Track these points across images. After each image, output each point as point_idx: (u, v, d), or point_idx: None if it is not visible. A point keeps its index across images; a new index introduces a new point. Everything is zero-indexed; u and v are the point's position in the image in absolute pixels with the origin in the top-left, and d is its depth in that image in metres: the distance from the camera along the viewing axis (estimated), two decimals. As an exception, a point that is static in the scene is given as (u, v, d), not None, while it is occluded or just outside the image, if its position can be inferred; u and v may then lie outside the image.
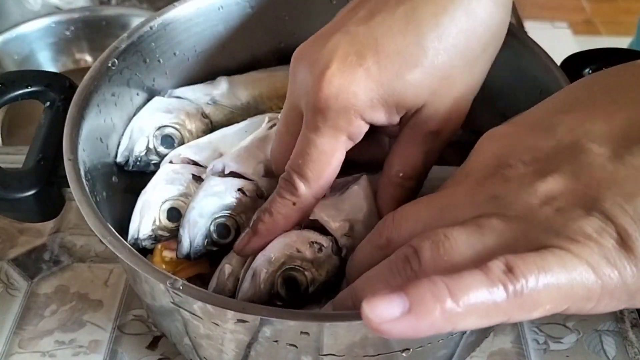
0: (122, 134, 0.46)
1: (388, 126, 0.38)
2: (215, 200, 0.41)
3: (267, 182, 0.42)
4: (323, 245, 0.39)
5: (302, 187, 0.37)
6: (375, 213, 0.40)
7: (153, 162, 0.46)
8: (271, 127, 0.45)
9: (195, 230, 0.41)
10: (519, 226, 0.27)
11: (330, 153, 0.36)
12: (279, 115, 0.41)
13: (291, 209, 0.38)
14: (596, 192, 0.27)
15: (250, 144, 0.44)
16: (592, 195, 0.27)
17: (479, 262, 0.25)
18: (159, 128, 0.46)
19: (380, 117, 0.36)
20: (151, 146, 0.46)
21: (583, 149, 0.28)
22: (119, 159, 0.46)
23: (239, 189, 0.42)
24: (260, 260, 0.38)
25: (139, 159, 0.45)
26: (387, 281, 0.29)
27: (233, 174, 0.42)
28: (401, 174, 0.39)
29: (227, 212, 0.41)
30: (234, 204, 0.41)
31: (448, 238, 0.28)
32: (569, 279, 0.25)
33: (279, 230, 0.39)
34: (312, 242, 0.39)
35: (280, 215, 0.38)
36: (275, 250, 0.38)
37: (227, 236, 0.41)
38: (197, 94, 0.49)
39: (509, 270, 0.25)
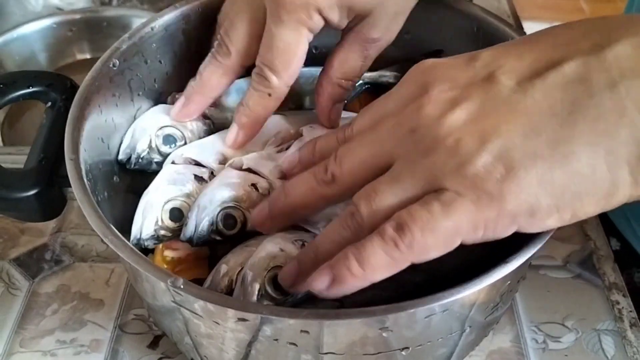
0: (125, 134, 0.46)
1: (336, 28, 0.42)
2: (228, 190, 0.42)
3: (282, 184, 0.43)
4: (305, 241, 0.39)
5: (274, 78, 0.41)
6: None
7: (155, 160, 0.46)
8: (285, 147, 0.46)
9: (203, 215, 0.41)
10: (427, 164, 0.31)
11: (295, 44, 0.41)
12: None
13: (268, 99, 0.42)
14: (495, 123, 0.30)
15: (273, 150, 0.45)
16: (491, 126, 0.30)
17: (404, 203, 0.31)
18: (161, 128, 0.46)
19: (334, 16, 0.41)
20: (153, 145, 0.46)
21: (495, 81, 0.32)
22: (120, 157, 0.46)
23: (253, 184, 0.42)
24: (247, 266, 0.39)
25: (141, 157, 0.46)
26: (340, 235, 0.34)
27: (250, 171, 0.43)
28: (340, 74, 0.44)
29: (236, 204, 0.41)
30: (245, 198, 0.42)
31: (377, 193, 0.32)
32: (453, 222, 0.30)
33: (261, 121, 0.44)
34: (295, 240, 0.39)
35: (259, 107, 0.43)
36: (260, 254, 0.39)
37: (232, 228, 0.42)
38: None
39: (400, 228, 0.31)
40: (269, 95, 0.42)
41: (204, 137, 0.48)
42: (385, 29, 0.43)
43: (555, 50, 0.31)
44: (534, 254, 0.35)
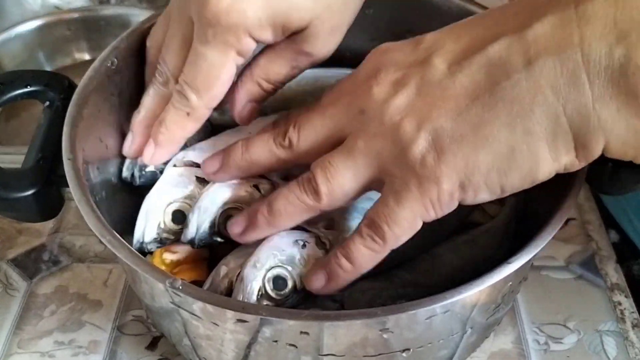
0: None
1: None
2: (230, 190, 0.42)
3: (284, 184, 0.43)
4: (307, 242, 0.39)
5: (193, 97, 0.40)
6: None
7: (159, 170, 0.46)
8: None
9: (205, 216, 0.41)
10: (376, 146, 0.34)
11: (219, 67, 0.39)
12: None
13: (186, 118, 0.41)
14: (429, 109, 0.33)
15: None
16: (426, 111, 0.33)
17: (359, 181, 0.36)
18: None
19: (268, 36, 0.39)
20: None
21: (430, 64, 0.34)
22: (124, 174, 0.45)
23: (254, 185, 0.42)
24: (247, 265, 0.39)
25: (143, 168, 0.45)
26: (296, 195, 0.37)
27: None
28: (263, 74, 0.42)
29: (238, 205, 0.41)
30: (247, 198, 0.42)
31: (332, 165, 0.35)
32: (409, 210, 0.34)
33: (178, 140, 0.42)
34: (296, 240, 0.39)
35: (176, 125, 0.41)
36: (260, 254, 0.39)
37: None
38: None
39: (372, 225, 0.35)
40: (187, 114, 0.40)
41: (202, 136, 0.48)
42: (320, 45, 0.41)
43: (487, 30, 0.33)
44: (535, 255, 0.35)
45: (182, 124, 0.41)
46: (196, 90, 0.39)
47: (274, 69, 0.42)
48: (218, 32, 0.37)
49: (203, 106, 0.40)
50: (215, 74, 0.39)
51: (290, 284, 0.38)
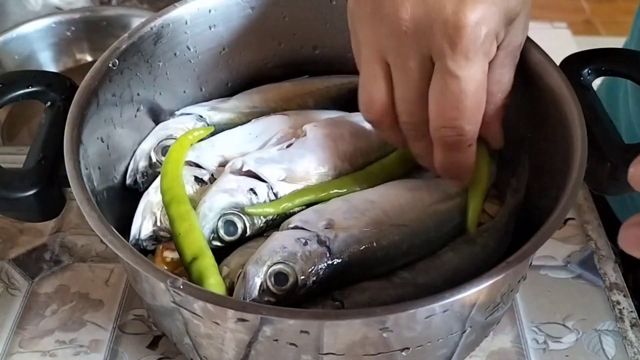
0: (125, 137, 0.46)
1: None
2: (227, 196, 0.42)
3: (284, 186, 0.43)
4: (308, 240, 0.40)
5: (469, 128, 0.38)
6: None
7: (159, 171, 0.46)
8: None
9: (203, 223, 0.41)
10: None
11: (482, 81, 0.37)
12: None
13: (468, 151, 0.40)
14: None
15: (274, 148, 0.45)
16: None
17: None
18: (159, 142, 0.47)
19: (502, 34, 0.37)
20: (154, 160, 0.46)
21: None
22: (128, 182, 0.46)
23: (251, 189, 0.42)
24: (249, 262, 0.39)
25: (145, 173, 0.46)
26: None
27: (250, 174, 0.43)
28: (501, 91, 0.40)
29: (236, 210, 0.41)
30: (244, 203, 0.42)
31: None
32: None
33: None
34: (297, 239, 0.39)
35: (465, 164, 0.41)
36: (263, 252, 0.39)
37: (233, 234, 0.42)
38: (197, 108, 0.50)
39: None
40: (469, 146, 0.39)
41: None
42: (523, 31, 0.40)
43: None
44: (534, 254, 0.35)
45: (467, 157, 0.40)
46: (468, 120, 0.38)
47: (505, 76, 0.40)
48: (478, 45, 0.35)
49: (476, 130, 0.39)
50: (481, 91, 0.37)
51: (291, 279, 0.38)
